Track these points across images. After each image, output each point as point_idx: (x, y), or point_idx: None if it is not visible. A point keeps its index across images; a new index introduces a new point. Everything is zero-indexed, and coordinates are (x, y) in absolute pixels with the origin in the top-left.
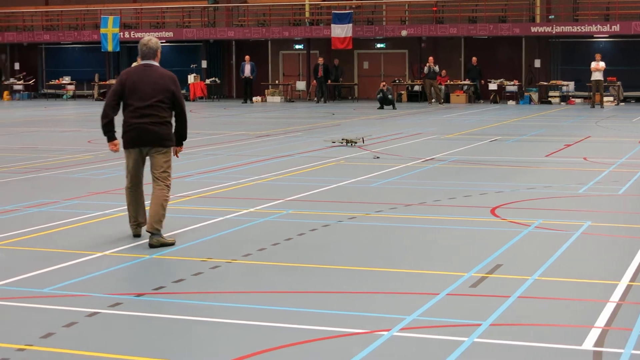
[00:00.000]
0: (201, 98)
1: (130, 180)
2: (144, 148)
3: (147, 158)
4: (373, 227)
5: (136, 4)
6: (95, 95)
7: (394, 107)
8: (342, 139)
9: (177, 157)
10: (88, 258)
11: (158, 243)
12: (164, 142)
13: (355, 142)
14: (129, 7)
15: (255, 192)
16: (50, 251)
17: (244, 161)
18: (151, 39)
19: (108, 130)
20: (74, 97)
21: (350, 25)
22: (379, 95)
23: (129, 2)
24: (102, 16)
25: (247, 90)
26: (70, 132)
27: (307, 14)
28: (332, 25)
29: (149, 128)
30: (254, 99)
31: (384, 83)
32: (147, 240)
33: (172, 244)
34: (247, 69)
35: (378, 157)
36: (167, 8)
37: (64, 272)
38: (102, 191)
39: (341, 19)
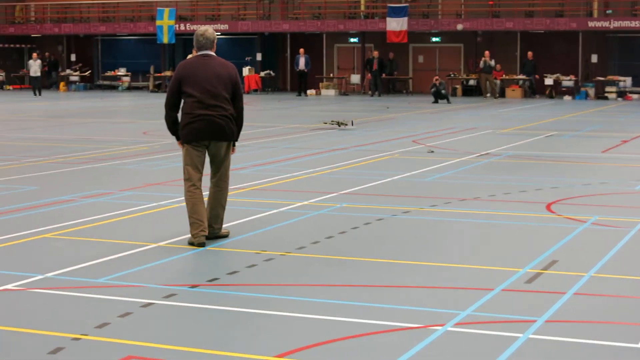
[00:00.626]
0: (255, 91)
1: (191, 179)
2: (206, 142)
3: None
4: (427, 221)
5: None
6: (151, 87)
7: (448, 102)
8: (332, 121)
9: (233, 152)
10: (143, 249)
11: (213, 235)
12: (229, 136)
13: (346, 125)
14: None
15: (309, 185)
16: (106, 241)
17: (298, 154)
18: (207, 29)
19: (175, 130)
20: (129, 88)
21: (406, 18)
22: (432, 90)
23: None
24: (158, 8)
25: (302, 83)
26: (126, 123)
27: (362, 7)
28: (388, 19)
29: (215, 121)
30: (309, 92)
31: (437, 77)
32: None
33: (226, 236)
34: (302, 62)
35: (432, 152)
36: (223, 0)
37: (119, 263)
38: (157, 182)
39: (397, 13)
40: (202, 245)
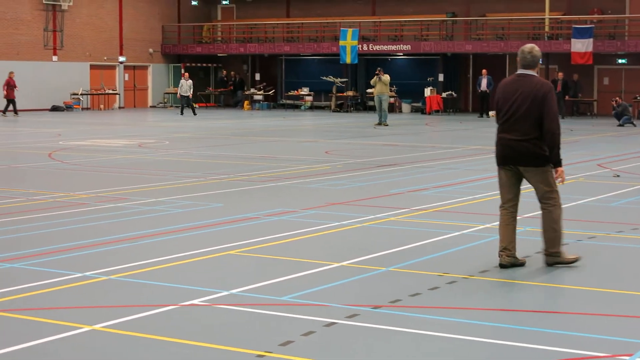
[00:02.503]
0: (437, 111)
1: (501, 197)
2: (513, 166)
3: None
4: (613, 247)
5: (375, 17)
6: (332, 107)
7: (633, 124)
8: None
9: (561, 182)
10: (325, 268)
11: (551, 262)
12: (530, 161)
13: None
14: (368, 19)
15: (491, 208)
16: (289, 260)
17: (480, 176)
18: (534, 46)
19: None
20: (312, 108)
21: (591, 40)
22: (614, 112)
23: (368, 15)
24: (341, 29)
25: (484, 104)
26: (308, 142)
27: (546, 28)
28: (572, 40)
29: (512, 145)
30: (490, 113)
31: (617, 99)
32: (382, 252)
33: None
34: (484, 83)
35: (618, 176)
36: (406, 21)
37: (302, 281)
38: (339, 202)
39: (582, 34)
40: (502, 266)
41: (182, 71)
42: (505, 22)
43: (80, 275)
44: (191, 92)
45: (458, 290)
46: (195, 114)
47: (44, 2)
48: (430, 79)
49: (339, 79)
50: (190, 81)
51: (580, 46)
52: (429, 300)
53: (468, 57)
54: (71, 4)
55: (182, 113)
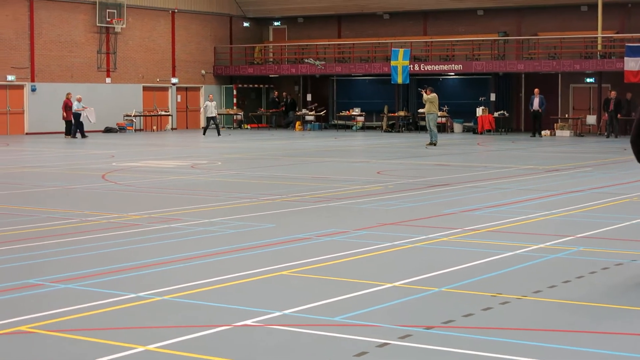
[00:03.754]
0: (489, 131)
1: None
2: None
3: None
4: None
5: (426, 37)
6: (384, 127)
7: None
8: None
9: None
10: (378, 289)
11: None
12: None
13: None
14: (419, 39)
15: (545, 228)
16: (341, 280)
17: (532, 196)
18: None
19: None
20: (363, 128)
21: None
22: None
23: (419, 35)
24: (392, 49)
25: (536, 124)
26: (360, 162)
27: (599, 47)
28: (626, 59)
29: None
30: (543, 132)
31: None
32: (435, 272)
33: None
34: (536, 102)
35: None
36: (457, 41)
37: (354, 302)
38: (391, 222)
39: (635, 52)
40: None
41: (234, 92)
42: (557, 41)
43: (134, 295)
44: (216, 113)
45: (511, 311)
46: (219, 134)
47: (97, 24)
48: (482, 98)
49: (318, 62)
50: (215, 102)
51: (634, 65)
52: (482, 320)
53: (520, 77)
54: (124, 26)
55: (204, 134)
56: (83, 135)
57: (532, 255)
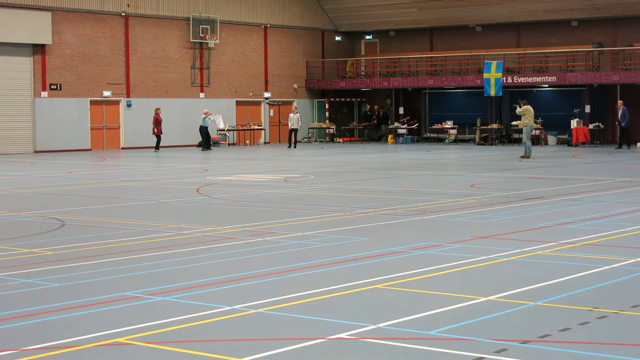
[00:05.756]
0: (584, 143)
1: None
2: None
3: None
4: None
5: (520, 49)
6: (477, 140)
7: None
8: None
9: None
10: (473, 302)
11: None
12: None
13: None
14: (512, 51)
15: None
16: (435, 294)
17: (629, 208)
18: None
19: None
20: (456, 141)
21: None
22: None
23: (512, 47)
24: (485, 61)
25: (623, 136)
26: (453, 176)
27: None
28: None
29: None
30: (639, 144)
31: None
32: (530, 286)
33: None
34: (620, 114)
35: None
36: (551, 52)
37: (449, 315)
38: (485, 236)
39: None
40: None
41: (326, 106)
42: None
43: (229, 308)
44: (299, 126)
45: (609, 326)
46: (295, 146)
47: (191, 40)
48: (577, 110)
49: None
50: (299, 114)
51: None
52: (579, 335)
53: (615, 88)
54: (217, 41)
55: (290, 146)
56: (208, 147)
57: (630, 269)
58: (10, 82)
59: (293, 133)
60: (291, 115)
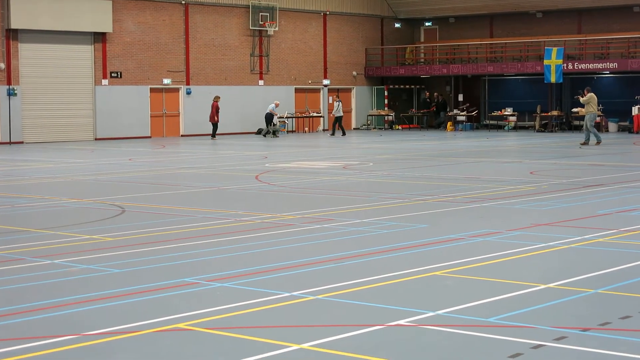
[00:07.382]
0: None
1: None
2: None
3: None
4: None
5: (581, 35)
6: (537, 127)
7: None
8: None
9: None
10: (532, 290)
11: None
12: None
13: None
14: (573, 38)
15: None
16: (494, 281)
17: None
18: None
19: None
20: (515, 128)
21: None
22: None
23: (573, 33)
24: (546, 48)
25: None
26: (512, 163)
27: None
28: None
29: None
30: None
31: None
32: (590, 274)
33: None
34: None
35: None
36: (613, 38)
37: (508, 303)
38: (545, 223)
39: None
40: None
41: (385, 93)
42: None
43: (287, 294)
44: (342, 113)
45: None
46: (334, 134)
47: (250, 28)
48: (638, 97)
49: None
50: (341, 102)
51: None
52: (639, 323)
53: None
54: (277, 29)
55: (333, 134)
56: (273, 134)
57: None
58: (71, 70)
59: (338, 121)
60: (335, 103)
